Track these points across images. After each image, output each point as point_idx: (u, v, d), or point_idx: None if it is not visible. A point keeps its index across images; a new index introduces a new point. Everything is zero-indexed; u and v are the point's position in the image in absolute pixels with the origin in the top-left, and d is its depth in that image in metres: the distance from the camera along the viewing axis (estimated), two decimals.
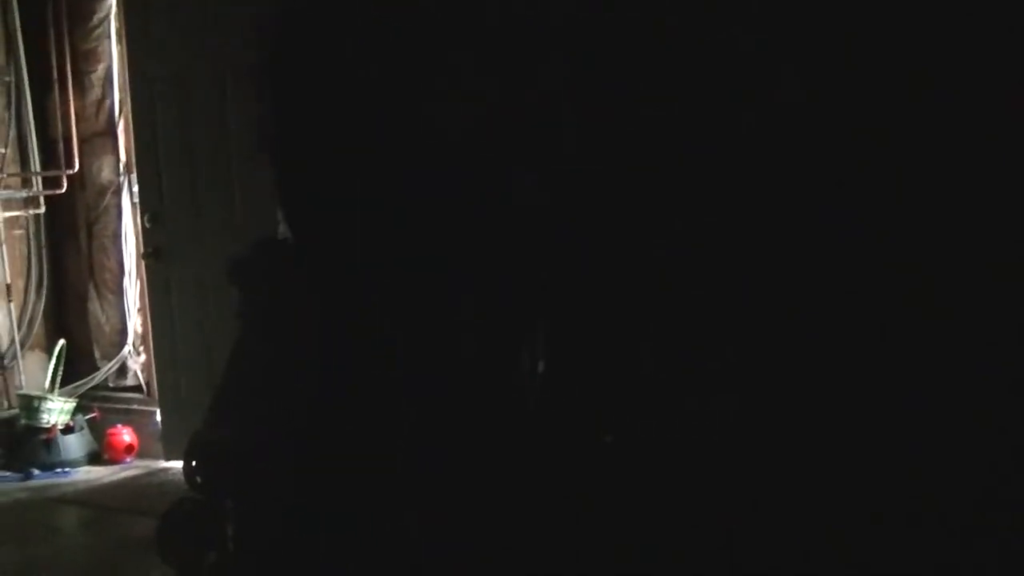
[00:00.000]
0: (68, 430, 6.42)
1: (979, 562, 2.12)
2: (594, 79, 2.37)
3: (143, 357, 6.77)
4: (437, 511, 2.41)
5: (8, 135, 6.84)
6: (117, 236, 6.78)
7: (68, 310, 7.11)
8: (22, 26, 6.76)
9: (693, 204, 2.33)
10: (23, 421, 6.42)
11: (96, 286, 6.93)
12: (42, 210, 6.98)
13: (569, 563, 2.30)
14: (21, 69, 6.79)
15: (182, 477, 3.02)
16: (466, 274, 2.52)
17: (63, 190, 6.84)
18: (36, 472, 6.19)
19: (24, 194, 6.96)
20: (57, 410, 6.43)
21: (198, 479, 2.89)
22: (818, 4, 2.30)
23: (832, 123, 2.29)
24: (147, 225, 6.16)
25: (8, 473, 6.23)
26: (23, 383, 6.78)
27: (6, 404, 6.73)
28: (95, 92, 6.80)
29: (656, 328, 2.32)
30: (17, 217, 6.95)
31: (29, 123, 6.83)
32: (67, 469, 6.28)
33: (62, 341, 6.75)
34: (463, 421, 2.41)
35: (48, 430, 6.35)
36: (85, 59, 6.79)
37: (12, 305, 6.87)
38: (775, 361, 2.30)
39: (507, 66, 2.54)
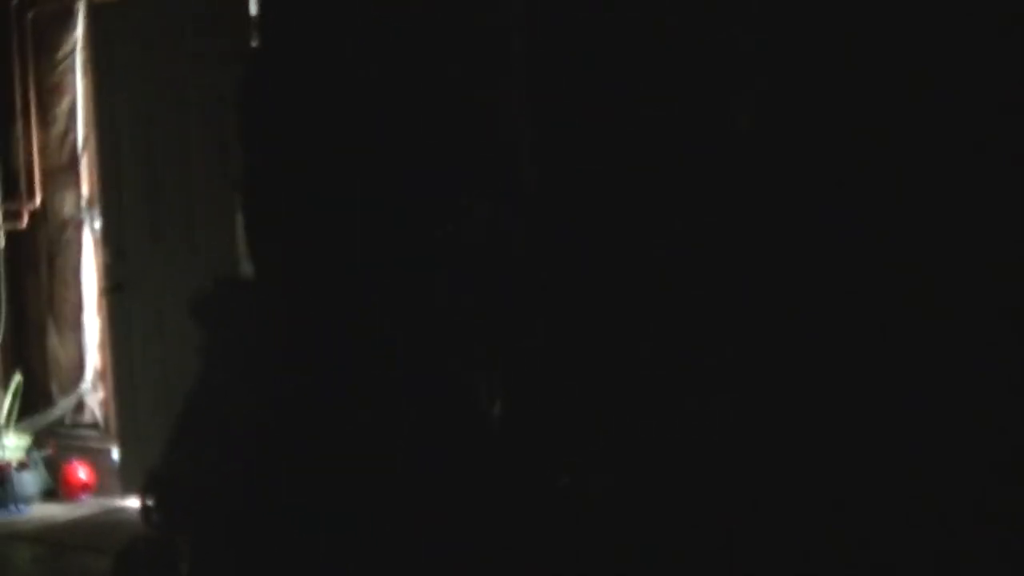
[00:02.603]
0: (23, 466, 6.33)
1: (978, 561, 2.12)
2: (595, 79, 2.38)
3: (101, 393, 6.70)
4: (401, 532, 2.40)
5: None
6: (78, 270, 6.73)
7: (26, 344, 7.03)
8: None
9: (692, 205, 2.33)
10: None
11: (55, 320, 6.86)
12: (2, 243, 6.92)
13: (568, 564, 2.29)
14: None
15: (138, 515, 2.99)
16: (425, 313, 2.52)
17: (25, 223, 6.80)
18: None
19: None
20: (12, 446, 6.34)
21: (154, 517, 2.87)
22: (817, 5, 2.31)
23: (830, 124, 2.29)
24: (109, 260, 6.12)
25: None
26: None
27: None
28: (59, 126, 6.77)
29: (655, 330, 2.32)
30: None
31: None
32: (21, 506, 6.19)
33: (18, 375, 6.68)
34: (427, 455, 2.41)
35: (3, 466, 6.26)
36: (50, 92, 6.76)
37: None
38: (775, 361, 2.29)
39: (489, 75, 2.57)
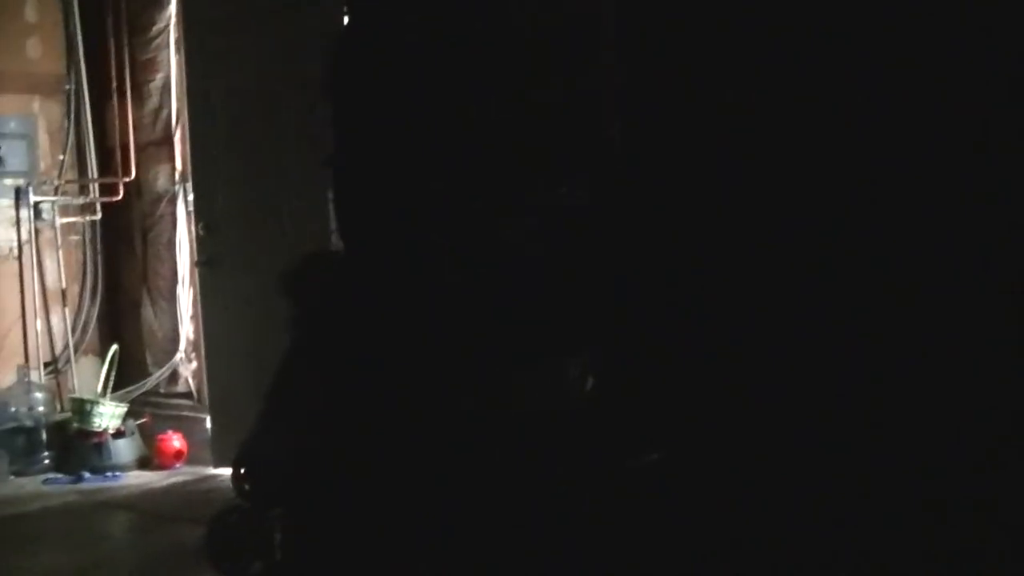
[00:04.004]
0: (119, 435, 6.49)
1: (976, 561, 2.09)
2: (688, 68, 2.36)
3: (194, 364, 6.84)
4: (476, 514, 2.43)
5: (67, 142, 6.97)
6: (171, 244, 6.86)
7: (121, 316, 7.21)
8: (82, 36, 6.88)
9: (793, 199, 2.31)
10: (75, 425, 6.50)
11: (150, 293, 7.02)
12: (98, 217, 7.10)
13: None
14: (81, 78, 6.91)
15: (231, 485, 3.05)
16: (516, 287, 2.54)
17: (119, 197, 6.95)
18: (86, 475, 6.27)
19: (81, 200, 7.08)
20: (108, 415, 6.51)
21: (246, 487, 2.93)
22: (817, 7, 2.28)
23: (822, 127, 2.26)
24: (201, 234, 6.22)
25: (59, 476, 6.30)
26: (76, 387, 6.88)
27: (59, 408, 6.81)
28: (153, 101, 6.90)
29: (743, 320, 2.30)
30: (74, 223, 7.07)
31: (87, 131, 6.96)
32: (117, 473, 6.35)
33: (115, 346, 6.84)
34: (512, 428, 2.44)
35: (99, 434, 6.42)
36: (143, 69, 6.89)
37: (67, 310, 6.99)
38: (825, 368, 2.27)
39: (550, 77, 2.57)
